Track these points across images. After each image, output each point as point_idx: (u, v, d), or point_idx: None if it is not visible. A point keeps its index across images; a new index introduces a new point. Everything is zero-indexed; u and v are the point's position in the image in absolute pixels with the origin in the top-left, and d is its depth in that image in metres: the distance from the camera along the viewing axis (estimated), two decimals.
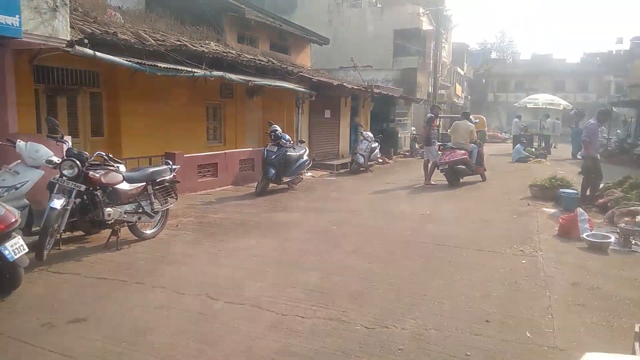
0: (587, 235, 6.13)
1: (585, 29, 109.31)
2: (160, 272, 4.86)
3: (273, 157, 10.08)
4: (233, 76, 10.42)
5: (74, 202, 5.21)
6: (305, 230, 6.81)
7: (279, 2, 25.85)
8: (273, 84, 12.09)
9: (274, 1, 24.64)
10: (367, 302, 4.07)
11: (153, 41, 8.73)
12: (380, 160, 16.42)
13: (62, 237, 5.55)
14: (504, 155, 20.33)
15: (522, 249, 5.85)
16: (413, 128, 25.67)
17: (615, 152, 22.10)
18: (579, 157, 20.45)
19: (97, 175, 5.38)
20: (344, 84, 14.89)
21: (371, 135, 15.20)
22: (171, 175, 6.40)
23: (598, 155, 9.00)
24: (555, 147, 23.71)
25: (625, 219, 7.23)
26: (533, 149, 20.61)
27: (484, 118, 32.92)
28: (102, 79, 9.06)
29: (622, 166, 18.64)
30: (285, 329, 3.55)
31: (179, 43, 9.53)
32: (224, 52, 10.96)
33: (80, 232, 5.92)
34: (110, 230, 5.68)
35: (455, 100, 42.14)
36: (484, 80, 53.52)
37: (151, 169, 6.22)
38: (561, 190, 9.16)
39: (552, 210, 8.54)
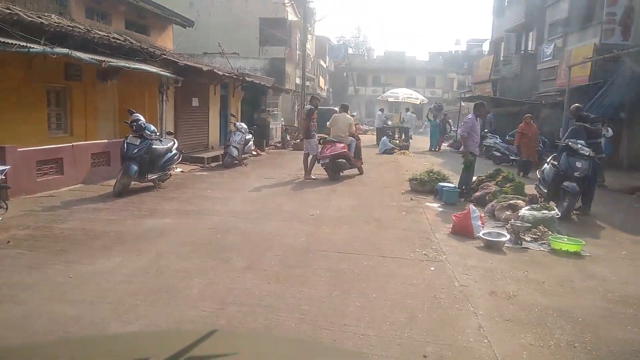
0: (483, 234, 6.02)
1: (430, 30, 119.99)
2: None
3: (135, 151, 8.61)
4: (82, 55, 8.64)
5: None
6: (183, 241, 5.69)
7: None
8: (132, 66, 10.42)
9: None
10: None
11: None
12: (254, 153, 15.53)
13: None
14: (369, 147, 20.79)
15: (425, 252, 5.50)
16: (282, 119, 25.22)
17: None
18: (443, 147, 21.89)
19: None
20: (215, 70, 13.65)
21: (245, 126, 14.22)
22: None
23: (477, 150, 9.19)
24: (411, 139, 25.08)
25: (507, 212, 7.40)
26: (397, 141, 21.50)
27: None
28: None
29: None
30: None
31: (9, 12, 7.55)
32: (69, 26, 9.08)
33: None
34: None
35: (319, 92, 42.82)
36: (345, 74, 55.34)
37: None
38: (441, 184, 9.25)
39: (435, 205, 8.53)
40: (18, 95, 8.79)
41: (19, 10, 8.09)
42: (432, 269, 4.93)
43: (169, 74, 12.08)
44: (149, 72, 11.30)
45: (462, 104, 28.55)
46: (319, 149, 11.24)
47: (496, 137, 19.52)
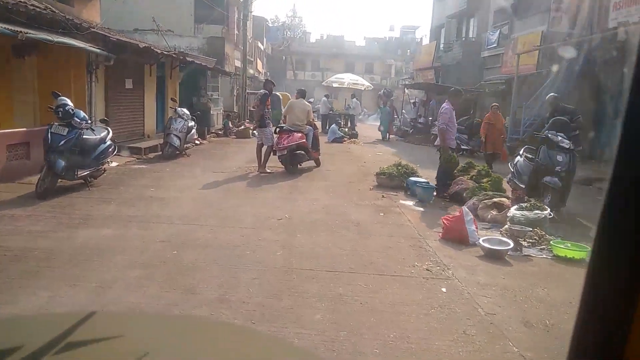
0: (483, 242, 5.35)
1: (365, 15, 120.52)
2: None
3: (62, 142, 7.18)
4: None
5: None
6: (131, 262, 4.54)
7: None
8: (55, 39, 8.82)
9: None
10: None
11: None
12: (197, 142, 14.18)
13: None
14: None
15: (427, 266, 4.73)
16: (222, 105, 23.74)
17: (410, 132, 23.89)
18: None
19: None
20: (153, 48, 12.13)
21: (187, 112, 12.84)
22: None
23: (454, 144, 8.51)
24: (356, 126, 24.48)
25: (492, 212, 6.83)
26: (346, 129, 20.76)
27: (288, 95, 32.80)
28: None
29: (422, 145, 20.09)
30: None
31: None
32: None
33: None
34: None
35: (257, 75, 41.27)
36: (284, 57, 53.87)
37: None
38: (412, 179, 8.57)
39: (410, 203, 7.83)
40: None
41: None
42: (444, 290, 4.16)
43: (99, 50, 10.49)
44: (76, 48, 9.70)
45: (407, 91, 28.33)
46: (275, 139, 10.22)
47: None
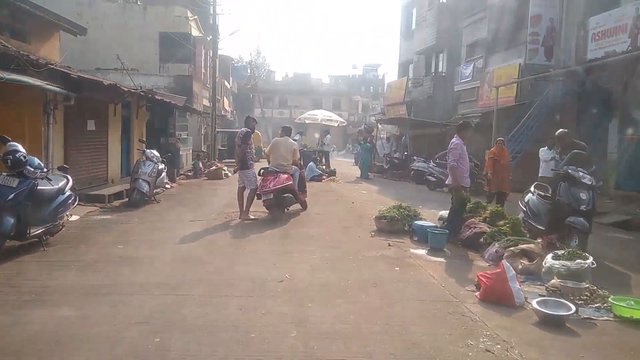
0: (537, 304, 4.43)
1: (329, 54, 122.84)
2: None
3: (11, 196, 5.97)
4: None
5: None
6: None
7: None
8: (7, 77, 7.69)
9: None
10: None
11: None
12: (167, 186, 12.99)
13: None
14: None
15: (483, 344, 3.76)
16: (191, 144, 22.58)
17: (386, 167, 23.26)
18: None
19: None
20: (119, 85, 11.05)
21: (157, 154, 11.70)
22: None
23: (468, 182, 7.65)
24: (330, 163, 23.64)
25: (522, 261, 5.97)
26: (323, 167, 19.92)
27: (259, 133, 31.98)
28: None
29: (402, 182, 19.43)
30: None
31: None
32: None
33: None
34: None
35: (224, 114, 40.38)
36: (251, 95, 53.35)
37: None
38: (418, 223, 7.69)
39: (423, 252, 6.90)
40: None
41: None
42: None
43: (57, 89, 9.35)
44: (30, 86, 8.55)
45: (380, 126, 27.95)
46: (259, 182, 9.21)
47: (425, 160, 18.76)
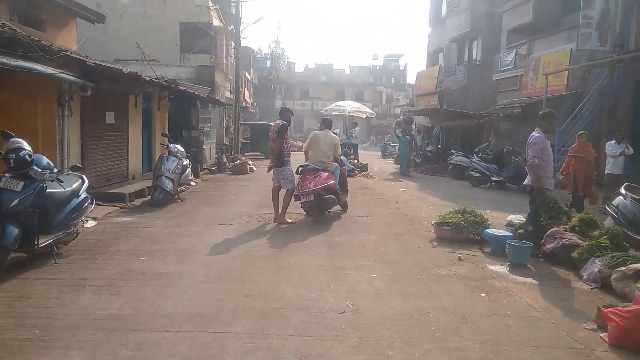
0: None
1: (349, 45, 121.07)
2: None
3: (15, 201, 5.02)
4: None
5: None
6: None
7: None
8: (15, 63, 6.75)
9: None
10: None
11: None
12: (193, 183, 12.03)
13: None
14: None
15: None
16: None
17: (418, 161, 21.95)
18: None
19: None
20: (140, 75, 10.07)
21: (181, 149, 10.73)
22: None
23: (552, 184, 6.44)
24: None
25: (638, 285, 4.76)
26: (355, 161, 18.76)
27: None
28: None
29: (440, 177, 18.16)
30: None
31: None
32: None
33: None
34: None
35: (245, 105, 39.48)
36: (272, 87, 52.29)
37: None
38: (492, 232, 6.50)
39: (503, 269, 5.74)
40: None
41: None
42: None
43: (72, 78, 8.40)
44: (43, 74, 7.62)
45: (398, 118, 26.62)
46: (297, 181, 8.14)
47: (464, 154, 17.46)
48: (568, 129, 14.52)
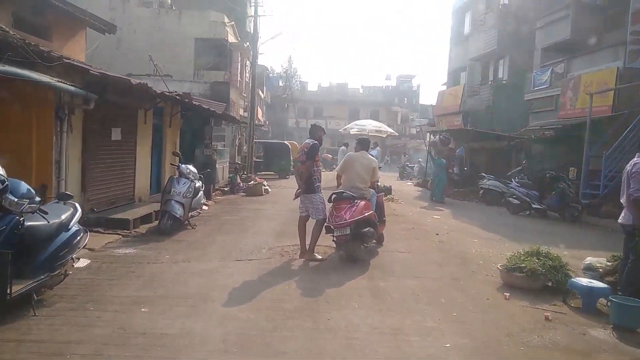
0: None
1: (362, 65, 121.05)
2: None
3: None
4: None
5: None
6: None
7: None
8: (3, 68, 5.70)
9: None
10: None
11: None
12: (205, 207, 10.87)
13: None
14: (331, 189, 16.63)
15: None
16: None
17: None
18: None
19: None
20: (150, 86, 9.00)
21: (194, 170, 9.59)
22: None
23: None
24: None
25: None
26: (378, 184, 17.48)
27: (296, 144, 29.88)
28: None
29: (470, 202, 16.84)
30: None
31: None
32: None
33: None
34: None
35: (258, 123, 38.61)
36: (286, 105, 51.58)
37: None
38: (588, 285, 5.17)
39: (606, 334, 4.44)
40: None
41: None
42: None
43: (73, 89, 7.33)
44: (39, 83, 6.56)
45: (433, 138, 25.36)
46: (329, 211, 6.92)
47: (495, 178, 16.15)
48: (616, 154, 13.20)
